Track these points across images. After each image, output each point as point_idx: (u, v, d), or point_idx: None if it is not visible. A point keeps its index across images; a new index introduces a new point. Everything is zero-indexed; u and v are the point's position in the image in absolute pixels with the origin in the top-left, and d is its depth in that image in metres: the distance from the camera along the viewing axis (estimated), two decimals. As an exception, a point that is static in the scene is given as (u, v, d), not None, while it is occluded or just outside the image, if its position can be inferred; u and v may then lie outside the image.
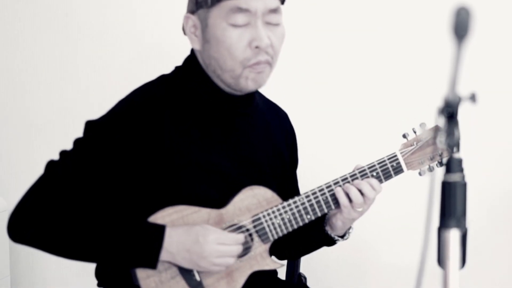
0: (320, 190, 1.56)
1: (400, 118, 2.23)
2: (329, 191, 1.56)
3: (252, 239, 1.54)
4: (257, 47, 1.47)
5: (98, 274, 1.64)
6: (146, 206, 1.50)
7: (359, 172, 1.56)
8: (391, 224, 2.35)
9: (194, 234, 1.46)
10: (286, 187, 1.70)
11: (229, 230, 1.52)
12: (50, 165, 1.51)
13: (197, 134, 1.54)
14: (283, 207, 1.55)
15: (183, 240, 1.45)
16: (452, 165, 0.99)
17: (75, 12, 2.46)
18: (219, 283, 1.52)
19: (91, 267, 1.63)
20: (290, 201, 1.55)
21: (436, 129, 1.57)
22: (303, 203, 1.55)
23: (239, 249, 1.50)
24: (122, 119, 1.50)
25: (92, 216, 1.47)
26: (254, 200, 1.55)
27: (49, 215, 1.44)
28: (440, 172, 1.00)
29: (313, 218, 1.56)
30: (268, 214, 1.54)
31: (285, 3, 1.55)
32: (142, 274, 1.48)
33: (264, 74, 1.52)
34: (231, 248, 1.48)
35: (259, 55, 1.48)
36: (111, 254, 1.46)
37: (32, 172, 1.54)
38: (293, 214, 1.55)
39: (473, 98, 0.99)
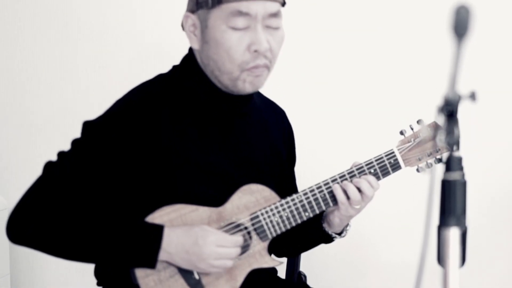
0: (318, 188, 1.56)
1: (400, 117, 2.22)
2: (327, 189, 1.56)
3: (250, 237, 1.54)
4: (256, 51, 1.47)
5: (97, 273, 1.64)
6: (144, 205, 1.51)
7: (357, 169, 1.56)
8: (391, 223, 2.35)
9: (193, 236, 1.46)
10: (284, 185, 1.70)
11: (228, 228, 1.53)
12: (48, 166, 1.51)
13: (195, 133, 1.54)
14: (281, 205, 1.55)
15: (182, 241, 1.45)
16: (452, 164, 0.99)
17: (75, 12, 2.46)
18: (218, 282, 1.52)
19: (90, 266, 1.63)
20: (288, 198, 1.56)
21: (434, 125, 1.57)
22: (301, 201, 1.56)
23: (237, 251, 1.50)
24: (119, 118, 1.50)
25: (91, 217, 1.47)
26: (252, 198, 1.55)
27: (47, 216, 1.44)
28: (440, 170, 1.00)
29: (311, 215, 1.57)
30: (266, 212, 1.54)
31: (285, 3, 1.55)
32: (141, 273, 1.48)
33: (261, 78, 1.52)
34: (229, 251, 1.48)
35: (257, 59, 1.48)
36: (109, 255, 1.46)
37: (32, 171, 1.55)
38: (291, 211, 1.55)
39: (473, 96, 0.98)
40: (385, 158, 1.57)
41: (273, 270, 1.71)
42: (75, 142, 1.52)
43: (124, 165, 1.48)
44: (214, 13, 1.46)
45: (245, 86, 1.51)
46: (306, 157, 2.03)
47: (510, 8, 2.25)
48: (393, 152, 1.57)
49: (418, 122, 1.58)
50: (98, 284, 1.65)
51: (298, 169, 1.84)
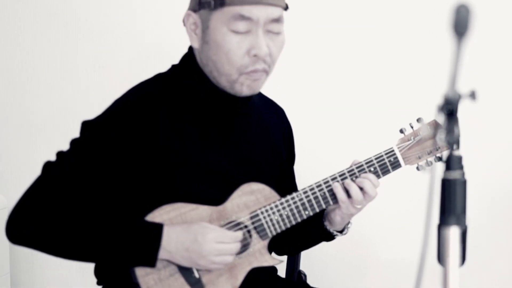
0: (318, 186, 1.56)
1: (399, 116, 2.22)
2: (327, 187, 1.56)
3: (250, 236, 1.54)
4: (255, 55, 1.47)
5: (97, 272, 1.64)
6: (144, 204, 1.50)
7: (357, 168, 1.57)
8: (391, 222, 2.35)
9: (192, 233, 1.46)
10: (284, 184, 1.70)
11: (227, 227, 1.53)
12: (47, 166, 1.51)
13: (194, 132, 1.54)
14: (281, 203, 1.55)
15: (181, 239, 1.45)
16: (452, 163, 0.99)
17: (75, 12, 2.46)
18: (218, 280, 1.52)
19: (90, 265, 1.63)
20: (288, 197, 1.56)
21: (434, 123, 1.57)
22: (301, 199, 1.56)
23: (237, 247, 1.50)
24: (118, 118, 1.50)
25: (90, 216, 1.47)
26: (252, 197, 1.55)
27: (46, 216, 1.44)
28: (440, 169, 1.00)
29: (311, 214, 1.57)
30: (266, 211, 1.55)
31: (288, 7, 1.55)
32: (141, 272, 1.48)
33: (259, 81, 1.53)
34: (230, 246, 1.48)
35: (256, 64, 1.48)
36: (109, 254, 1.46)
37: (32, 169, 1.55)
38: (291, 210, 1.56)
39: (473, 95, 0.99)
40: (385, 157, 1.57)
41: (273, 269, 1.71)
42: (74, 142, 1.52)
43: (123, 165, 1.48)
44: (216, 14, 1.46)
45: (243, 89, 1.51)
46: (306, 156, 2.03)
47: (509, 7, 2.25)
48: (393, 151, 1.58)
49: (418, 120, 1.58)
50: (98, 283, 1.65)
51: (298, 168, 1.84)
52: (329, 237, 1.66)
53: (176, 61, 1.63)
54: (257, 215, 1.54)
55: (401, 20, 2.30)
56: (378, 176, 1.57)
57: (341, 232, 1.66)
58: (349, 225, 1.66)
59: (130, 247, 1.45)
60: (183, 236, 1.45)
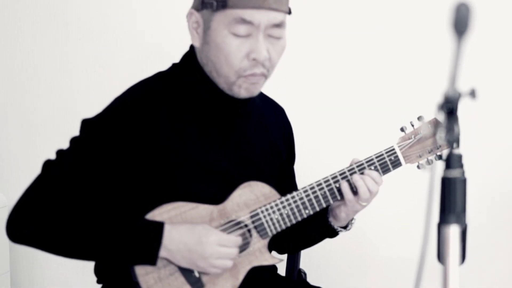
0: (318, 185, 1.56)
1: (399, 115, 2.22)
2: (327, 186, 1.56)
3: (250, 235, 1.54)
4: (254, 59, 1.47)
5: (97, 271, 1.64)
6: (144, 203, 1.50)
7: (357, 166, 1.57)
8: (391, 220, 2.35)
9: (196, 234, 1.46)
10: (284, 184, 1.70)
11: (228, 226, 1.53)
12: (47, 164, 1.51)
13: (194, 132, 1.54)
14: (281, 202, 1.55)
15: (184, 239, 1.45)
16: (452, 161, 0.99)
17: (75, 12, 2.47)
18: (218, 280, 1.52)
19: (90, 263, 1.63)
20: (288, 196, 1.56)
21: (434, 122, 1.58)
22: (301, 198, 1.56)
23: (237, 252, 1.50)
24: (117, 116, 1.50)
25: (90, 214, 1.46)
26: (252, 196, 1.55)
27: (47, 215, 1.44)
28: (440, 167, 1.00)
29: (311, 213, 1.57)
30: (267, 210, 1.54)
31: (291, 12, 1.55)
32: (141, 270, 1.48)
33: (258, 85, 1.53)
34: (231, 251, 1.48)
35: (255, 67, 1.48)
36: (110, 252, 1.46)
37: (32, 168, 1.55)
38: (291, 209, 1.56)
39: (473, 94, 0.99)
40: (385, 155, 1.57)
41: (273, 268, 1.71)
42: (73, 140, 1.52)
43: (122, 163, 1.48)
44: (217, 16, 1.46)
45: (240, 92, 1.52)
46: (306, 156, 2.03)
47: (509, 5, 2.26)
48: (393, 149, 1.58)
49: (418, 118, 1.58)
50: (98, 282, 1.65)
51: (298, 168, 1.84)
52: (333, 233, 1.66)
53: (176, 61, 1.63)
54: (257, 214, 1.54)
55: (401, 20, 2.30)
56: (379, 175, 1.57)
57: (345, 227, 1.66)
58: (353, 221, 1.66)
59: (131, 245, 1.44)
60: (186, 237, 1.45)
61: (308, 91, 2.36)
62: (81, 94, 2.48)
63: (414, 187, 2.10)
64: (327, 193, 1.56)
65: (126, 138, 1.48)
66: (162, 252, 1.45)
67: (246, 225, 1.54)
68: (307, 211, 1.56)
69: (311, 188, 1.56)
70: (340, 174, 1.56)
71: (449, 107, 0.97)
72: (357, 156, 1.61)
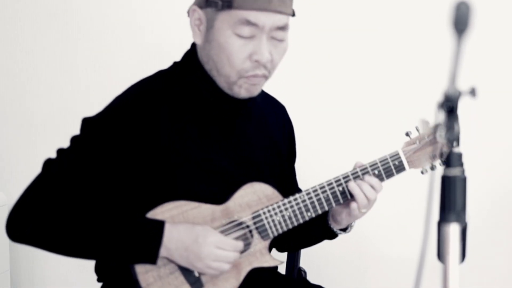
0: (321, 188, 1.55)
1: (400, 116, 2.24)
2: (330, 189, 1.55)
3: (252, 236, 1.54)
4: (256, 61, 1.47)
5: (97, 269, 1.64)
6: (144, 202, 1.50)
7: (361, 170, 1.56)
8: (391, 219, 2.35)
9: (194, 234, 1.45)
10: (285, 183, 1.70)
11: (229, 226, 1.52)
12: (47, 163, 1.51)
13: (195, 131, 1.54)
14: (284, 204, 1.55)
15: (182, 238, 1.45)
16: (452, 159, 0.99)
17: (75, 11, 2.47)
18: (218, 280, 1.51)
19: (90, 262, 1.63)
20: (291, 198, 1.55)
21: (438, 127, 1.57)
22: (303, 200, 1.55)
23: (236, 256, 1.49)
24: (118, 115, 1.50)
25: (90, 213, 1.46)
26: (254, 197, 1.55)
27: (47, 214, 1.44)
28: (440, 167, 1.00)
29: (313, 215, 1.56)
30: (269, 211, 1.54)
31: (294, 14, 1.54)
32: (140, 269, 1.48)
33: (258, 86, 1.53)
34: (228, 254, 1.47)
35: (257, 69, 1.48)
36: (110, 250, 1.46)
37: (32, 167, 1.55)
38: (293, 211, 1.55)
39: (473, 92, 0.99)
40: (389, 160, 1.56)
41: (273, 267, 1.70)
42: (74, 139, 1.52)
43: (123, 162, 1.48)
44: (222, 15, 1.46)
45: (240, 92, 1.51)
46: (307, 158, 2.03)
47: (509, 4, 2.26)
48: (398, 154, 1.57)
49: (423, 123, 1.57)
50: (98, 280, 1.65)
51: (300, 170, 1.84)
52: (333, 235, 1.66)
53: (176, 61, 1.63)
54: (259, 215, 1.54)
55: (401, 18, 2.30)
56: (382, 179, 1.56)
57: (344, 230, 1.66)
58: (353, 224, 1.66)
59: (131, 244, 1.44)
60: (184, 235, 1.45)
61: (308, 91, 2.36)
62: (81, 94, 2.49)
63: (414, 186, 2.10)
64: (330, 197, 1.56)
65: (127, 137, 1.48)
66: (162, 251, 1.45)
67: (247, 226, 1.54)
68: (309, 214, 1.56)
69: (314, 191, 1.56)
70: (344, 178, 1.56)
71: (449, 106, 0.97)
72: (358, 157, 1.61)
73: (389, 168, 1.56)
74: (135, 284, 1.48)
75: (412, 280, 1.16)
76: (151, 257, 1.45)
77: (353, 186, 1.54)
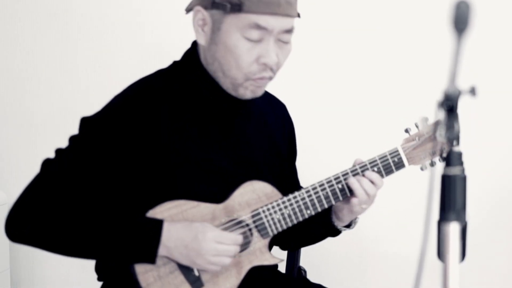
0: (320, 185, 1.55)
1: (399, 114, 2.24)
2: (329, 187, 1.55)
3: (251, 234, 1.54)
4: (264, 64, 1.47)
5: (98, 268, 1.64)
6: (143, 202, 1.50)
7: (360, 167, 1.56)
8: (391, 218, 2.35)
9: (193, 231, 1.45)
10: (285, 183, 1.70)
11: (229, 225, 1.52)
12: (46, 163, 1.50)
13: (195, 131, 1.54)
14: (283, 202, 1.55)
15: (181, 236, 1.45)
16: (452, 158, 0.99)
17: (75, 11, 2.47)
18: (218, 279, 1.51)
19: (91, 261, 1.63)
20: (290, 196, 1.55)
21: (438, 123, 1.56)
22: (303, 199, 1.55)
23: (236, 249, 1.49)
24: (117, 114, 1.50)
25: (89, 213, 1.46)
26: (253, 195, 1.54)
27: (45, 214, 1.44)
28: (440, 165, 1.00)
29: (313, 213, 1.56)
30: (268, 209, 1.54)
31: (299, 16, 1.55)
32: (140, 268, 1.48)
33: (263, 87, 1.54)
34: (228, 248, 1.47)
35: (264, 71, 1.48)
36: (109, 250, 1.46)
37: (32, 166, 1.55)
38: (293, 209, 1.55)
39: (473, 91, 0.99)
40: (389, 157, 1.56)
41: (273, 265, 1.71)
42: (72, 139, 1.51)
43: (122, 162, 1.48)
44: (230, 18, 1.45)
45: (246, 93, 1.52)
46: (307, 157, 2.02)
47: (509, 3, 2.26)
48: (397, 151, 1.56)
49: (422, 119, 1.57)
50: (98, 279, 1.65)
51: (299, 169, 1.84)
52: (336, 232, 1.66)
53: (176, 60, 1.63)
54: (259, 213, 1.54)
55: (401, 18, 2.30)
56: (382, 176, 1.56)
57: (348, 226, 1.65)
58: (356, 219, 1.66)
59: (130, 243, 1.44)
60: (183, 233, 1.45)
61: (308, 91, 2.36)
62: (81, 94, 2.49)
63: (414, 185, 2.10)
64: (329, 194, 1.55)
65: (126, 136, 1.47)
66: (161, 250, 1.45)
67: (247, 225, 1.54)
68: (308, 212, 1.55)
69: (313, 189, 1.55)
70: (343, 175, 1.56)
71: (449, 105, 0.97)
72: (358, 155, 1.60)
73: (388, 165, 1.56)
74: (135, 284, 1.48)
75: (412, 279, 1.16)
76: (150, 256, 1.45)
77: (352, 181, 1.54)
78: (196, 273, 1.50)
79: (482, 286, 2.32)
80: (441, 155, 1.57)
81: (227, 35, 1.46)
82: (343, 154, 2.31)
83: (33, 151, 2.51)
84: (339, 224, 1.64)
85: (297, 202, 1.55)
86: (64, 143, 1.53)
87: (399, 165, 1.57)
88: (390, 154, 1.56)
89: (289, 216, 1.55)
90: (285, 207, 1.55)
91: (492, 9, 2.22)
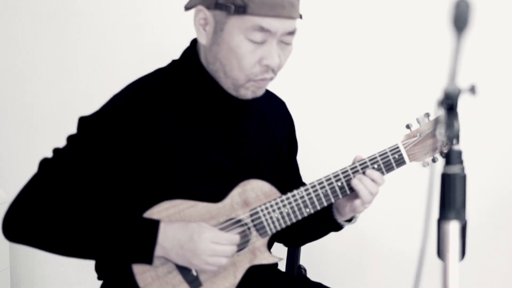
0: (319, 184, 1.55)
1: (400, 114, 2.22)
2: (329, 185, 1.55)
3: (250, 233, 1.54)
4: (267, 65, 1.47)
5: (98, 267, 1.64)
6: (143, 202, 1.49)
7: (360, 165, 1.55)
8: (391, 216, 2.35)
9: (189, 231, 1.45)
10: (288, 180, 1.69)
11: (227, 224, 1.52)
12: (43, 163, 1.50)
13: (196, 131, 1.53)
14: (282, 201, 1.54)
15: (178, 236, 1.44)
16: (452, 157, 0.99)
17: (75, 11, 2.47)
18: (217, 278, 1.51)
19: (90, 260, 1.63)
20: (289, 194, 1.54)
21: (439, 119, 1.56)
22: (302, 197, 1.55)
23: (233, 249, 1.48)
24: (117, 114, 1.49)
25: (86, 213, 1.46)
26: (252, 194, 1.54)
27: (42, 213, 1.44)
28: (440, 164, 1.01)
29: (312, 211, 1.55)
30: (266, 208, 1.54)
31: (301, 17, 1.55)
32: (138, 269, 1.47)
33: (264, 88, 1.54)
34: (225, 248, 1.46)
35: (266, 73, 1.49)
36: (106, 251, 1.45)
37: (31, 166, 1.54)
38: (291, 207, 1.54)
39: (472, 90, 0.99)
40: (389, 153, 1.55)
41: (273, 264, 1.70)
42: (70, 138, 1.51)
43: (120, 162, 1.47)
44: (233, 20, 1.44)
45: (247, 93, 1.52)
46: (307, 156, 2.02)
47: (509, 2, 2.26)
48: (397, 147, 1.55)
49: (424, 115, 1.55)
50: (98, 278, 1.65)
51: (301, 167, 1.83)
52: (338, 227, 1.66)
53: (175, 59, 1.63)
54: (257, 212, 1.53)
55: (401, 17, 2.30)
56: (382, 173, 1.54)
57: (349, 221, 1.65)
58: (357, 214, 1.64)
59: (127, 244, 1.44)
60: (179, 233, 1.45)
61: (308, 91, 2.36)
62: (81, 94, 2.49)
63: (414, 183, 2.10)
64: (329, 192, 1.55)
65: (125, 136, 1.47)
66: (158, 251, 1.44)
67: (245, 224, 1.53)
68: (307, 210, 1.55)
69: (313, 187, 1.55)
70: (343, 173, 1.55)
71: (449, 103, 0.97)
72: (359, 154, 1.60)
73: (389, 162, 1.55)
74: (133, 284, 1.48)
75: (412, 277, 1.16)
76: (147, 257, 1.44)
77: (356, 183, 1.53)
78: (194, 273, 1.50)
79: (482, 286, 2.32)
80: (443, 151, 1.56)
81: (230, 36, 1.45)
82: (343, 152, 2.30)
83: (33, 151, 2.50)
84: (340, 219, 1.63)
85: (296, 200, 1.54)
86: (64, 143, 1.53)
87: (400, 162, 1.55)
88: (390, 150, 1.55)
89: (288, 214, 1.54)
90: (284, 205, 1.54)
91: (492, 8, 2.22)
